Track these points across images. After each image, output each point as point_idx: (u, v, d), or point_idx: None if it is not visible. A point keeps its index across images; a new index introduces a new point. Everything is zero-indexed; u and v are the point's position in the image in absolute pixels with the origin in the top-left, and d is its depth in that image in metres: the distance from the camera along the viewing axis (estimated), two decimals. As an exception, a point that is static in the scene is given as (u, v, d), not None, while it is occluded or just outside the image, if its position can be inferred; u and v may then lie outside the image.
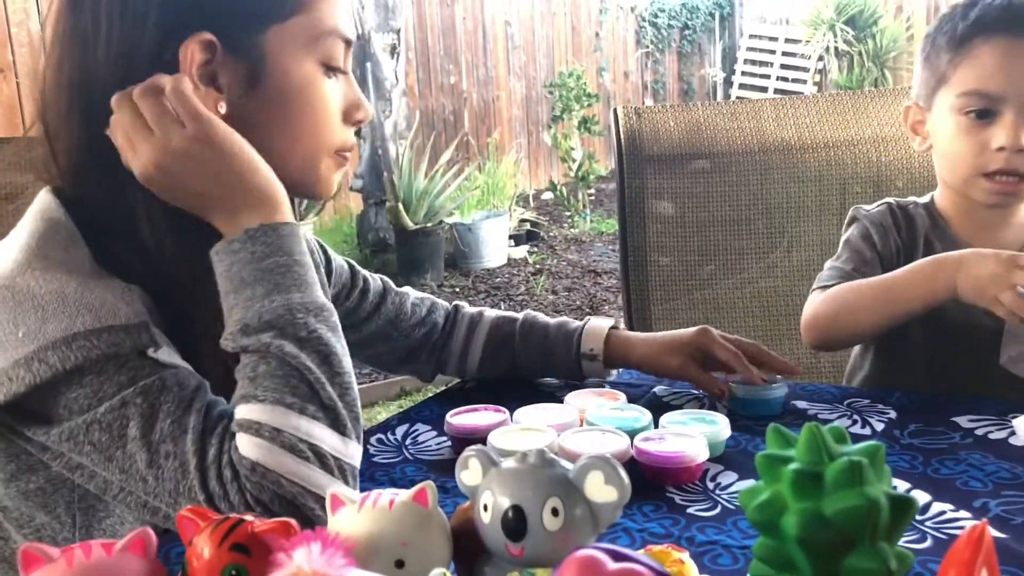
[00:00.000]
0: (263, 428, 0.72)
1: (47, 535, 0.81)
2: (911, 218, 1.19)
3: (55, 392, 0.73)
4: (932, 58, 1.14)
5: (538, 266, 5.27)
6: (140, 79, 0.78)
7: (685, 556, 0.64)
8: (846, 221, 1.24)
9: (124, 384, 0.73)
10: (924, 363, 1.17)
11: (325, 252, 1.12)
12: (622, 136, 1.65)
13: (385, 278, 1.20)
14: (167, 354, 0.77)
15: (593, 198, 6.50)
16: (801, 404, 1.05)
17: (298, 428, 0.73)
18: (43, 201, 0.81)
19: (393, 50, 5.06)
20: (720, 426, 0.93)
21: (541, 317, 1.17)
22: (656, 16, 9.08)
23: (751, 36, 9.75)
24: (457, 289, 4.84)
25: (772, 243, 1.67)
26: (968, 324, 1.09)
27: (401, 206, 4.80)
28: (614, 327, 1.12)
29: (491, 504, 0.59)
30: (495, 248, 5.26)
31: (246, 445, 0.72)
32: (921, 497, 0.80)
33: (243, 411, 0.74)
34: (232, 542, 0.55)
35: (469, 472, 0.62)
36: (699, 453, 0.86)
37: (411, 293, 1.20)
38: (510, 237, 5.48)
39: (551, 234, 6.00)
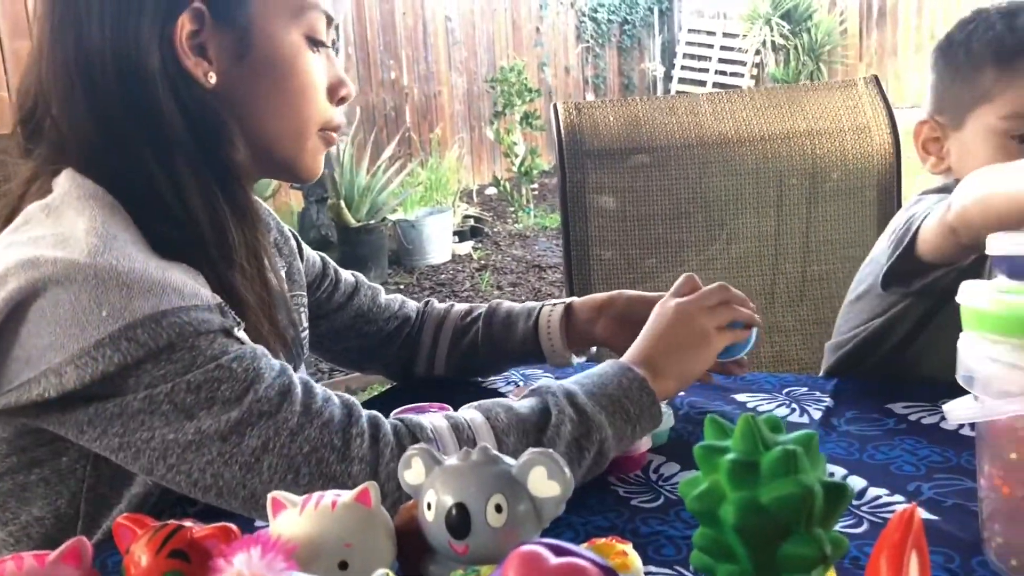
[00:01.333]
0: None
1: (35, 532, 0.79)
2: None
3: (137, 371, 0.70)
4: (968, 72, 1.06)
5: (483, 262, 5.27)
6: (141, 53, 0.78)
7: (628, 548, 0.65)
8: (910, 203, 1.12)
9: (217, 355, 0.72)
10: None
11: (298, 241, 1.11)
12: (562, 131, 1.66)
13: (358, 274, 1.19)
14: (243, 333, 0.77)
15: (536, 193, 6.52)
16: (741, 397, 1.06)
17: None
18: (81, 185, 0.78)
19: (333, 45, 5.00)
20: (666, 414, 0.94)
21: (507, 302, 1.17)
22: (596, 11, 9.14)
23: (689, 31, 9.87)
24: (402, 286, 4.82)
25: (711, 235, 1.70)
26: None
27: (343, 203, 4.76)
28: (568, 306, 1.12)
29: (434, 502, 0.59)
30: (439, 244, 5.25)
31: None
32: (857, 483, 0.82)
33: None
34: (171, 548, 0.54)
35: (412, 471, 0.62)
36: (641, 443, 0.87)
37: (382, 290, 1.20)
38: (454, 233, 5.48)
39: (495, 230, 6.01)
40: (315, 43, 0.87)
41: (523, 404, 0.81)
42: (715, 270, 1.66)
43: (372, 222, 4.87)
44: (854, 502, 0.79)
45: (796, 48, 8.87)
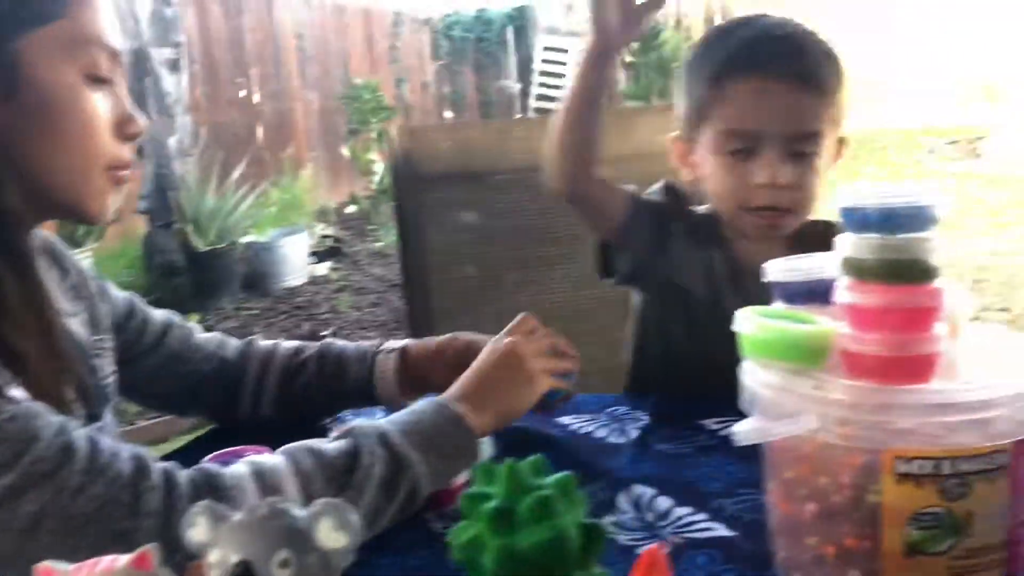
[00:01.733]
0: None
1: None
2: (658, 211, 1.18)
3: None
4: (691, 92, 1.13)
5: (342, 283, 5.19)
6: None
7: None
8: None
9: None
10: (686, 356, 1.19)
11: (100, 282, 1.05)
12: (397, 156, 1.65)
13: (172, 312, 1.14)
14: (20, 392, 0.73)
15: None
16: (565, 419, 1.08)
17: None
18: None
19: (174, 64, 4.84)
20: (484, 444, 0.94)
21: (340, 342, 1.14)
22: (451, 28, 9.18)
23: (545, 48, 10.06)
24: (256, 311, 4.69)
25: (560, 255, 1.72)
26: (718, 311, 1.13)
27: (190, 227, 4.60)
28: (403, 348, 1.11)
29: (217, 561, 0.57)
30: (295, 266, 5.14)
31: None
32: (664, 503, 0.84)
33: None
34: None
35: (197, 529, 0.60)
36: (459, 476, 0.87)
37: (198, 331, 1.15)
38: (311, 254, 5.37)
39: (354, 249, 5.93)
40: (96, 80, 0.83)
41: (332, 447, 0.80)
42: (565, 290, 1.68)
43: (222, 246, 4.72)
44: (660, 523, 0.81)
45: (645, 65, 9.16)
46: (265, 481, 0.75)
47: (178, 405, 1.16)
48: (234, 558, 0.57)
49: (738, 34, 1.11)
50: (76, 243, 4.33)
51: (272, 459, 0.78)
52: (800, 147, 1.06)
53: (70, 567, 0.57)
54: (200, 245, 4.61)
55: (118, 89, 0.86)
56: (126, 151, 0.87)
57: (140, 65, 4.75)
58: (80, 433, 0.72)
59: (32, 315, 0.79)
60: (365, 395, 1.09)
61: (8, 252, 0.78)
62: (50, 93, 0.80)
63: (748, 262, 1.09)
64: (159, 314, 1.12)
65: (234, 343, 1.16)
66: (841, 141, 1.12)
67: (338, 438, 0.82)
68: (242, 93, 6.56)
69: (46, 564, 0.57)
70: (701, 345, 1.08)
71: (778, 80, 1.05)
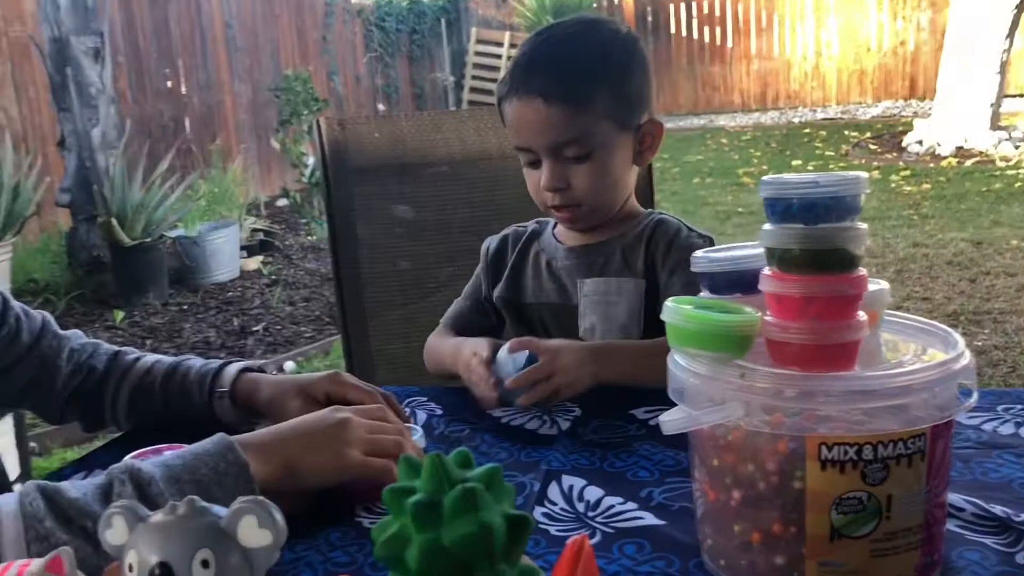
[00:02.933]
0: None
1: None
2: (521, 236, 1.33)
3: None
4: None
5: (273, 277, 5.11)
6: None
7: (358, 586, 0.64)
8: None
9: None
10: None
11: None
12: (326, 148, 1.63)
13: (48, 317, 1.10)
14: None
15: (328, 204, 6.39)
16: (496, 412, 1.08)
17: None
18: None
19: (97, 54, 4.68)
20: (416, 438, 0.93)
21: (192, 361, 1.10)
22: (383, 20, 9.10)
23: (478, 41, 10.04)
24: (185, 307, 4.58)
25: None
26: (550, 312, 1.26)
27: (115, 221, 4.46)
28: (248, 369, 1.08)
29: (136, 563, 0.56)
30: (226, 261, 5.03)
31: None
32: (594, 492, 0.85)
33: None
34: None
35: (113, 530, 0.58)
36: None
37: (75, 338, 1.11)
38: (242, 248, 5.27)
39: (287, 243, 5.83)
40: None
41: (80, 486, 0.74)
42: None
43: (149, 240, 4.59)
44: (589, 513, 0.81)
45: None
46: None
47: (48, 415, 1.12)
48: (153, 559, 0.55)
49: (514, 58, 1.21)
50: (-4, 236, 4.18)
51: (3, 498, 0.72)
52: (568, 152, 1.15)
53: (-22, 573, 0.54)
54: (126, 239, 4.48)
55: None
56: None
57: (61, 54, 4.60)
58: None
59: None
60: (212, 423, 1.04)
61: None
62: None
63: (563, 245, 1.26)
64: (32, 321, 1.08)
65: (105, 352, 1.12)
66: (648, 125, 1.20)
67: (98, 476, 0.76)
68: (169, 84, 6.40)
69: (-49, 571, 0.54)
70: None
71: (528, 101, 1.15)
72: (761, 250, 0.68)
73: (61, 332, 1.10)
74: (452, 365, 1.19)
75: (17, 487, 0.76)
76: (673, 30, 10.75)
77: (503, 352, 1.09)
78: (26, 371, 1.06)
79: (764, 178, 0.66)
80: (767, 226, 0.66)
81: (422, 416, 1.09)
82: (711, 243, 1.22)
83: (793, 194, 0.64)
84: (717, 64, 10.71)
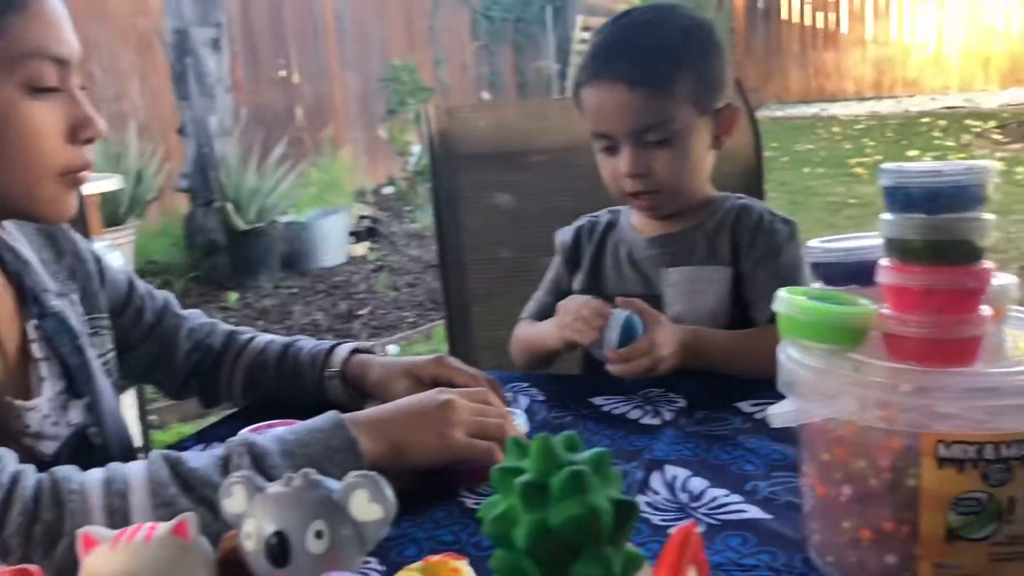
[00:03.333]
0: None
1: None
2: (596, 226, 1.31)
3: None
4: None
5: (379, 263, 5.22)
6: None
7: (463, 564, 0.65)
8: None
9: None
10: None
11: (99, 264, 1.07)
12: (434, 135, 1.65)
13: (170, 297, 1.16)
14: None
15: (433, 192, 6.48)
16: (597, 400, 1.08)
17: None
18: None
19: (215, 44, 4.87)
20: (518, 423, 0.94)
21: (304, 342, 1.14)
22: (490, 9, 9.14)
23: (583, 28, 9.98)
24: (295, 290, 4.73)
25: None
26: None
27: (230, 206, 4.64)
28: (358, 351, 1.10)
29: (255, 531, 0.58)
30: (334, 246, 5.17)
31: None
32: (698, 484, 0.84)
33: None
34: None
35: (233, 499, 0.61)
36: None
37: (194, 318, 1.16)
38: (350, 234, 5.40)
39: (392, 230, 5.95)
40: (40, 91, 0.83)
41: (202, 456, 0.78)
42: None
43: (262, 225, 4.76)
44: (693, 504, 0.81)
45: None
46: (112, 487, 0.73)
47: (169, 391, 1.18)
48: (270, 528, 0.58)
49: (591, 43, 1.20)
50: (118, 220, 4.40)
51: (130, 466, 0.76)
52: (650, 137, 1.14)
53: (111, 533, 0.58)
54: (240, 224, 4.66)
55: (71, 93, 0.86)
56: (83, 154, 0.87)
57: (182, 45, 4.80)
58: None
59: None
60: (323, 401, 1.05)
61: None
62: None
63: (641, 238, 1.25)
64: (155, 300, 1.14)
65: (222, 332, 1.17)
66: (726, 110, 1.19)
67: (215, 448, 0.80)
68: (282, 73, 6.60)
69: (88, 529, 0.58)
70: None
71: (610, 85, 1.14)
72: (878, 241, 0.66)
73: (182, 312, 1.16)
74: (545, 339, 1.19)
75: (141, 457, 0.80)
76: (784, 15, 10.46)
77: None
78: (149, 348, 1.12)
79: (883, 165, 0.64)
80: (886, 216, 0.64)
81: (524, 401, 1.09)
82: (794, 228, 1.20)
83: (914, 183, 0.62)
84: (830, 50, 10.37)
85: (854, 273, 0.71)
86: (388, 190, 6.82)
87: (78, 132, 0.86)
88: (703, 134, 1.18)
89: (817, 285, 0.74)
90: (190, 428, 3.11)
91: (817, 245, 0.74)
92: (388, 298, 4.60)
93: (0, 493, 0.70)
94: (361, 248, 5.39)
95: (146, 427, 2.48)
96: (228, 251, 4.80)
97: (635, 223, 1.27)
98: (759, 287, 1.15)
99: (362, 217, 5.82)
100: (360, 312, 4.38)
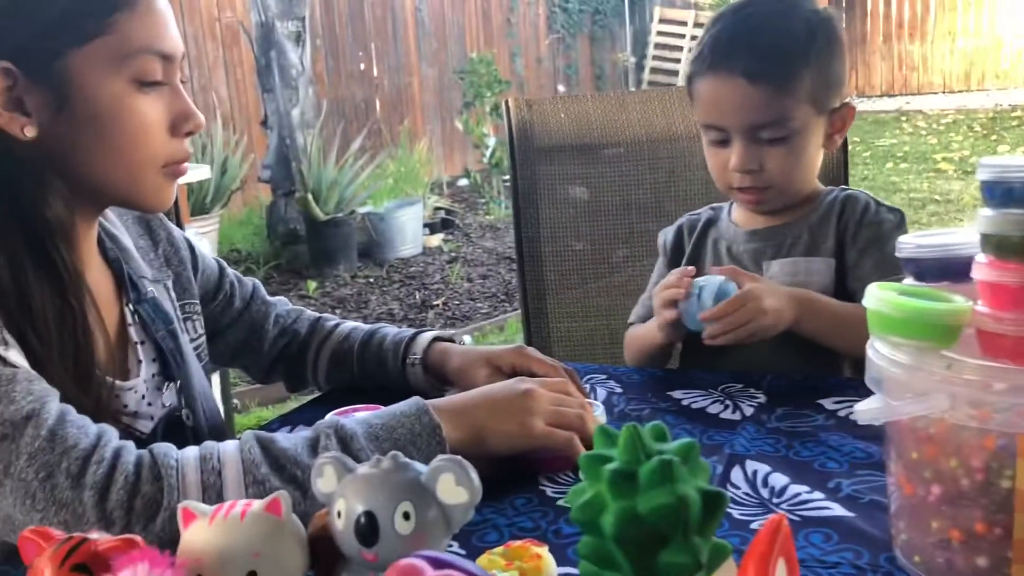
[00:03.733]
0: None
1: None
2: (696, 223, 1.30)
3: None
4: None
5: (453, 254, 5.27)
6: None
7: (544, 551, 0.66)
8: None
9: None
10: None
11: (192, 251, 1.11)
12: (514, 128, 1.66)
13: (257, 284, 1.20)
14: (17, 357, 0.77)
15: (508, 185, 6.51)
16: (676, 394, 1.07)
17: None
18: None
19: (298, 37, 4.97)
20: (597, 414, 0.95)
21: (387, 329, 1.16)
22: (567, 1, 9.12)
23: (661, 20, 9.88)
24: (371, 279, 4.81)
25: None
26: None
27: (311, 196, 4.74)
28: (439, 339, 1.12)
29: (344, 510, 0.60)
30: (410, 237, 5.23)
31: None
32: (779, 480, 0.83)
33: None
34: (74, 562, 0.54)
35: (324, 479, 0.63)
36: None
37: (281, 305, 1.20)
38: (425, 225, 5.46)
39: (466, 221, 6.00)
40: (148, 84, 0.86)
41: (291, 438, 0.80)
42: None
43: (341, 215, 4.85)
44: (774, 499, 0.80)
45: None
46: (207, 464, 0.76)
47: (256, 375, 1.22)
48: (359, 508, 0.59)
49: (709, 32, 1.17)
50: (204, 209, 4.54)
51: (224, 444, 0.79)
52: (765, 134, 1.12)
53: (209, 509, 0.60)
54: (320, 214, 4.75)
55: (175, 88, 0.89)
56: (183, 146, 0.91)
57: (266, 38, 4.91)
58: (54, 405, 0.76)
59: (58, 326, 0.82)
60: (404, 388, 1.08)
61: (48, 267, 0.83)
62: (99, 103, 0.84)
63: (742, 232, 1.23)
64: (243, 287, 1.18)
65: (308, 318, 1.20)
66: (842, 109, 1.17)
67: (304, 430, 0.83)
68: (362, 67, 6.70)
69: (187, 504, 0.60)
70: None
71: (728, 78, 1.12)
72: (972, 236, 0.64)
73: (269, 298, 1.19)
74: (652, 333, 1.17)
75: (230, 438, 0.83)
76: (869, 6, 10.18)
77: (702, 279, 1.10)
78: (238, 333, 1.16)
79: (983, 159, 0.62)
80: (985, 211, 0.62)
81: (602, 394, 1.10)
82: (902, 218, 1.17)
83: (1016, 177, 0.60)
84: (917, 42, 10.05)
85: (947, 269, 0.69)
86: (463, 182, 6.87)
87: (180, 125, 0.89)
88: (818, 133, 1.15)
89: (908, 281, 0.73)
90: (269, 412, 3.19)
91: (909, 240, 0.73)
92: (462, 289, 4.64)
93: (104, 467, 0.73)
94: (436, 239, 5.44)
95: (228, 410, 2.56)
96: (307, 240, 4.91)
97: (735, 217, 1.26)
98: (865, 276, 1.10)
99: (437, 208, 5.88)
100: (435, 302, 4.43)
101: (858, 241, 1.15)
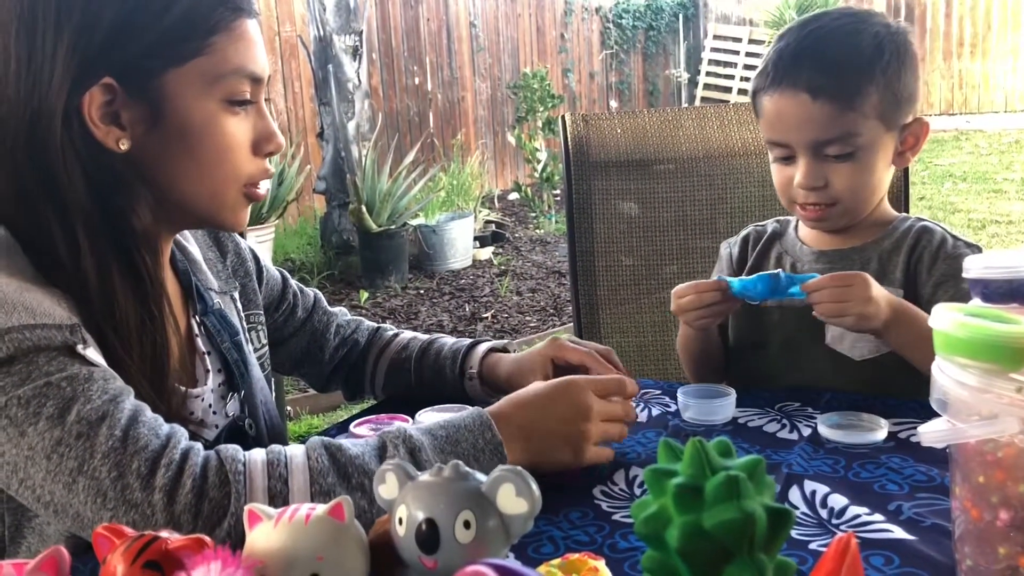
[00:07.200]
0: None
1: None
2: (761, 235, 1.30)
3: None
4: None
5: (503, 267, 5.29)
6: (45, 125, 0.81)
7: (600, 564, 0.66)
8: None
9: (51, 372, 0.75)
10: (774, 361, 1.22)
11: (258, 262, 1.14)
12: (570, 143, 1.67)
13: (319, 294, 1.22)
14: (96, 355, 0.79)
15: (558, 199, 6.52)
16: (735, 412, 1.06)
17: None
18: None
19: (355, 52, 5.05)
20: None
21: (444, 340, 1.18)
22: (621, 17, 9.13)
23: (715, 37, 9.84)
24: (422, 291, 4.84)
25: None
26: (792, 320, 1.19)
27: (364, 208, 4.79)
28: (494, 349, 1.14)
29: (405, 517, 0.61)
30: (460, 249, 5.27)
31: None
32: (838, 501, 0.82)
33: None
34: (145, 559, 0.56)
35: (386, 486, 0.64)
36: None
37: (341, 315, 1.23)
38: (475, 238, 5.49)
39: (516, 235, 6.02)
40: (238, 104, 0.89)
41: (359, 445, 0.81)
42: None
43: (393, 227, 4.90)
44: (833, 520, 0.79)
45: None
46: (275, 469, 0.77)
47: (316, 383, 1.24)
48: (420, 515, 0.60)
49: (774, 47, 1.16)
50: (260, 219, 4.61)
51: (292, 450, 0.80)
52: (830, 151, 1.11)
53: (274, 511, 0.61)
54: (373, 226, 4.81)
55: (260, 108, 0.92)
56: (265, 166, 0.93)
57: (324, 52, 4.99)
58: (129, 403, 0.77)
59: (139, 332, 0.85)
60: (461, 398, 1.10)
61: (133, 275, 0.85)
62: (191, 122, 0.86)
63: (806, 247, 1.23)
64: (305, 297, 1.21)
65: (367, 328, 1.23)
66: (914, 125, 1.15)
67: (371, 438, 0.84)
68: (416, 81, 6.78)
69: (253, 506, 0.62)
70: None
71: (793, 94, 1.11)
72: (1045, 258, 0.63)
73: (330, 309, 1.22)
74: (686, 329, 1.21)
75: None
76: (929, 24, 10.02)
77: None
78: (300, 343, 1.19)
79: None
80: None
81: (656, 411, 1.10)
82: (979, 253, 1.14)
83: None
84: (978, 60, 9.86)
85: (1015, 291, 0.68)
86: (513, 196, 6.90)
87: (262, 145, 0.92)
88: (887, 150, 1.13)
89: (974, 302, 0.71)
90: (319, 421, 3.23)
91: (976, 261, 0.72)
92: (511, 302, 4.66)
93: (172, 469, 0.75)
94: (486, 252, 5.47)
95: (282, 416, 2.59)
96: (360, 251, 4.96)
97: (803, 235, 1.24)
98: None
99: (488, 222, 5.91)
100: (484, 315, 4.45)
101: (934, 274, 1.13)
